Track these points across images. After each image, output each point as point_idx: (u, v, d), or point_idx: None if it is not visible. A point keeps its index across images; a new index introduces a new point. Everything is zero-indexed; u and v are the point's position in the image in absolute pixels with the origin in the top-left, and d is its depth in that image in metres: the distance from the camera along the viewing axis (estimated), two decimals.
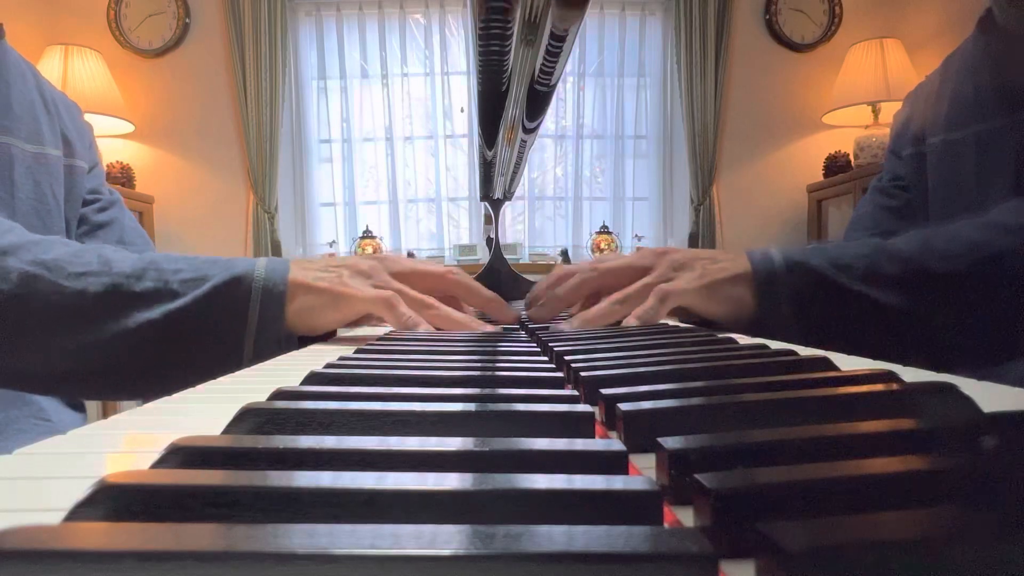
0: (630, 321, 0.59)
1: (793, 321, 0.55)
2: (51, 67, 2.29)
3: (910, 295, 0.55)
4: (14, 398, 0.70)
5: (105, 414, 2.11)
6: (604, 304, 0.60)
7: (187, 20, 2.65)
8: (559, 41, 0.52)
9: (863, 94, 2.45)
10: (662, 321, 0.70)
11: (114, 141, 2.57)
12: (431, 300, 0.59)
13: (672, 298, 0.58)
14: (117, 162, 2.49)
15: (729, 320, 0.59)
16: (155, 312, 0.51)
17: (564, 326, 0.62)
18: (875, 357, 0.59)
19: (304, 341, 0.57)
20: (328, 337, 0.61)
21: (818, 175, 2.65)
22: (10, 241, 0.52)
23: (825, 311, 0.55)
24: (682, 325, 0.66)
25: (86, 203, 0.83)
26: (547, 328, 0.61)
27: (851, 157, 2.54)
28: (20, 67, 0.76)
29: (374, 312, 0.57)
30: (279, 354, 0.52)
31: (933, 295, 0.55)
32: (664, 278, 0.59)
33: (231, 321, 0.52)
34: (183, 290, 0.52)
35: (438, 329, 0.58)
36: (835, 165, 2.59)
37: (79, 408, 0.80)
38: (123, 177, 2.46)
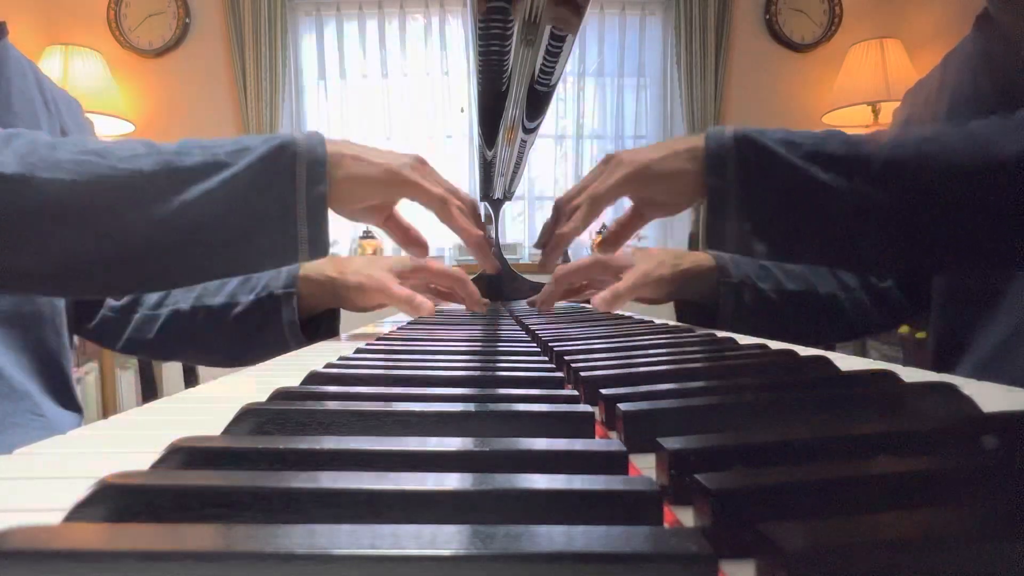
0: (561, 232, 0.64)
1: (735, 202, 0.55)
2: (51, 67, 2.29)
3: (849, 175, 0.54)
4: (8, 392, 0.70)
5: (105, 414, 2.11)
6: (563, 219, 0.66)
7: (187, 20, 2.65)
8: (559, 41, 0.52)
9: (863, 94, 2.45)
10: (660, 322, 0.70)
11: None
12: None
13: (603, 197, 0.60)
14: None
15: (675, 199, 0.59)
16: (211, 182, 0.52)
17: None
18: (805, 253, 0.59)
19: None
20: (331, 336, 0.64)
21: None
22: (56, 139, 0.53)
23: (768, 182, 0.54)
24: (682, 325, 0.66)
25: None
26: (547, 328, 0.62)
27: None
28: (21, 65, 0.75)
29: (429, 205, 0.61)
30: (328, 227, 0.55)
31: (871, 178, 0.54)
32: (604, 182, 0.61)
33: (281, 185, 0.54)
34: (231, 160, 0.53)
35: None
36: None
37: (74, 408, 0.80)
38: None
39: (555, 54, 0.54)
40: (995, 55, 0.70)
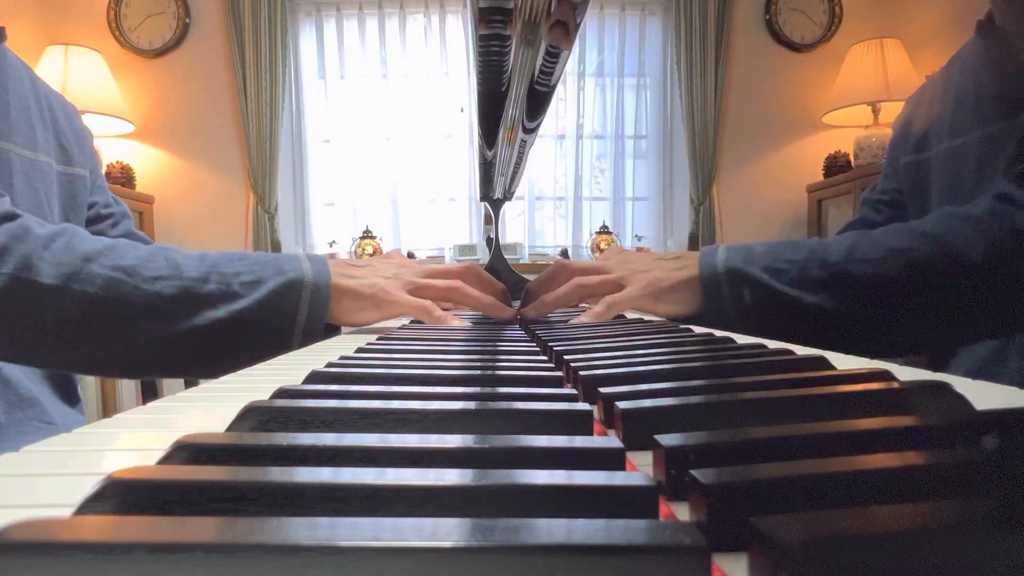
0: (579, 319, 0.68)
1: (737, 319, 0.61)
2: (51, 67, 2.29)
3: (834, 297, 0.61)
4: (16, 400, 0.70)
5: (105, 413, 2.11)
6: (566, 288, 0.70)
7: (187, 20, 2.65)
8: None
9: (863, 94, 2.45)
10: (658, 321, 0.70)
11: (114, 141, 2.57)
12: (457, 284, 0.69)
13: (617, 307, 0.67)
14: (117, 162, 2.50)
15: (679, 317, 0.67)
16: (221, 312, 0.59)
17: (528, 310, 0.74)
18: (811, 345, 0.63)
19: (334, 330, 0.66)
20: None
21: (818, 175, 2.65)
22: (91, 248, 0.59)
23: (761, 312, 0.62)
24: (680, 325, 0.66)
25: (101, 218, 0.84)
26: (547, 328, 0.62)
27: (851, 157, 2.55)
28: (18, 70, 0.75)
29: (414, 316, 0.67)
30: (319, 340, 0.60)
31: (855, 296, 0.61)
32: (616, 284, 0.68)
33: (284, 318, 0.61)
34: (243, 292, 0.60)
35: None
36: (835, 165, 2.59)
37: (75, 400, 0.81)
38: (123, 177, 2.47)
39: (555, 54, 0.55)
40: (998, 60, 0.71)
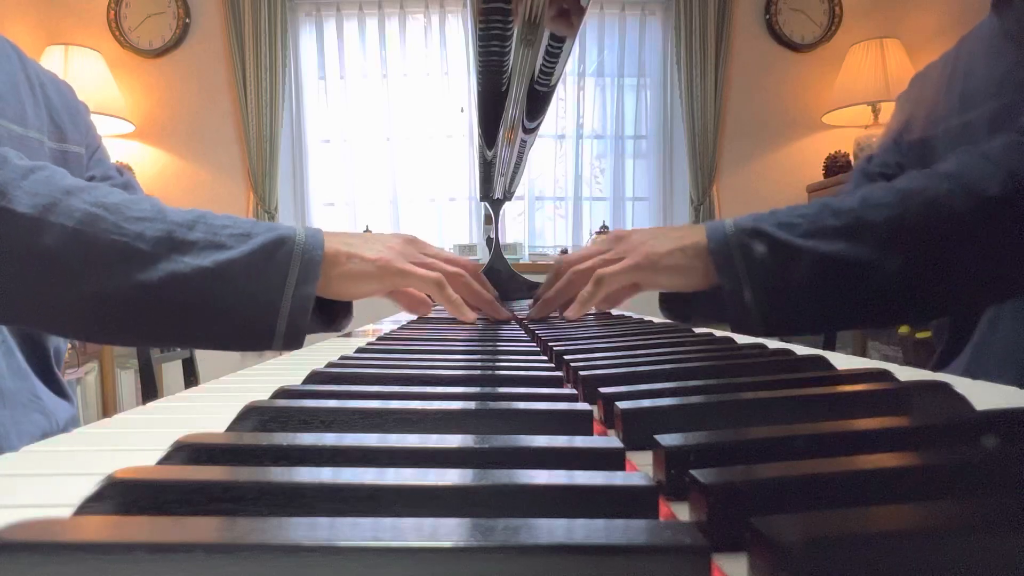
0: (573, 309, 0.64)
1: (750, 282, 0.56)
2: (51, 67, 2.26)
3: (853, 245, 0.56)
4: (17, 370, 0.70)
5: (105, 413, 2.11)
6: (562, 281, 0.66)
7: (187, 20, 2.65)
8: (559, 41, 0.52)
9: (863, 94, 2.45)
10: (658, 321, 0.70)
11: (114, 141, 2.57)
12: (463, 273, 0.65)
13: (608, 280, 0.61)
14: (117, 162, 2.48)
15: (683, 289, 0.61)
16: (205, 259, 0.54)
17: (532, 312, 0.70)
18: (831, 323, 0.59)
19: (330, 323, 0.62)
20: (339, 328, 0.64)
21: (818, 175, 2.65)
22: (72, 183, 0.54)
23: (775, 271, 0.56)
24: (679, 325, 0.66)
25: None
26: (547, 328, 0.62)
27: (851, 157, 2.55)
28: (5, 49, 0.74)
29: (422, 289, 0.62)
30: (308, 323, 0.55)
31: (875, 243, 0.56)
32: (611, 261, 0.63)
33: (272, 277, 0.55)
34: (231, 243, 0.55)
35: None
36: (835, 165, 2.59)
37: (63, 396, 0.80)
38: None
39: (555, 54, 0.55)
40: (1015, 36, 0.70)
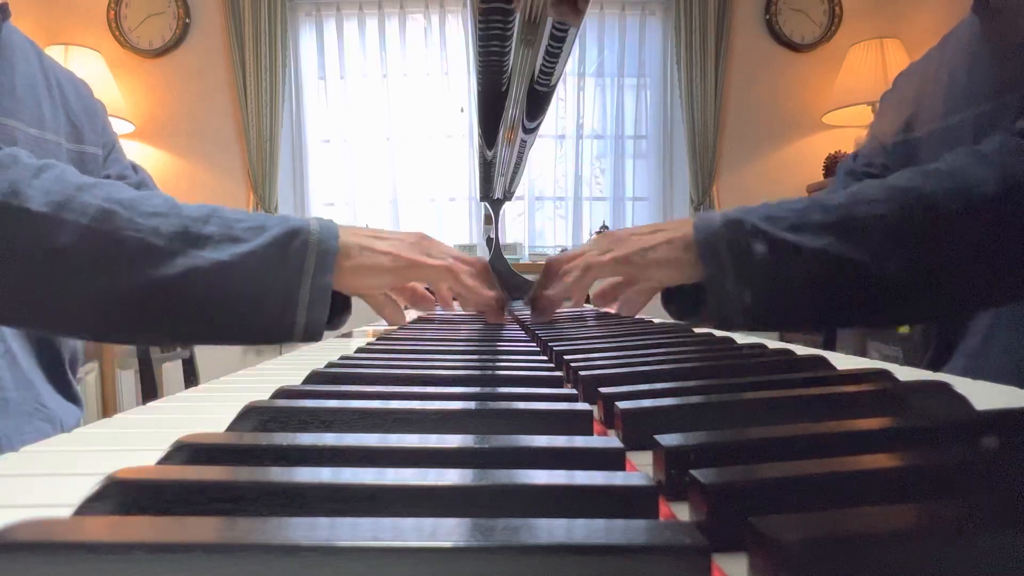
0: (555, 287, 0.63)
1: (736, 275, 0.55)
2: None
3: (840, 242, 0.54)
4: (21, 379, 0.70)
5: (105, 413, 2.11)
6: (555, 283, 0.65)
7: (187, 20, 2.65)
8: (559, 41, 0.52)
9: (863, 94, 2.45)
10: (658, 322, 0.70)
11: None
12: (471, 270, 0.64)
13: (592, 270, 0.61)
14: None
15: (668, 282, 0.61)
16: (222, 253, 0.53)
17: (532, 316, 0.69)
18: (814, 319, 0.59)
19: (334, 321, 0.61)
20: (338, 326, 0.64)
21: (818, 175, 2.65)
22: (84, 180, 0.54)
23: (761, 265, 0.55)
24: (679, 324, 0.66)
25: None
26: (547, 328, 0.62)
27: None
28: (25, 49, 0.75)
29: (437, 279, 0.62)
30: (326, 315, 0.55)
31: (863, 241, 0.55)
32: (598, 255, 0.62)
33: (289, 269, 0.55)
34: (245, 236, 0.55)
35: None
36: (835, 165, 2.59)
37: (72, 400, 0.80)
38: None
39: (555, 54, 0.55)
40: (995, 39, 0.70)
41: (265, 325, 0.55)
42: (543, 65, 0.57)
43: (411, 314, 0.87)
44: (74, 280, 0.52)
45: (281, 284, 0.54)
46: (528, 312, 0.84)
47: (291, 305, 0.55)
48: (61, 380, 0.78)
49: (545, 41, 0.52)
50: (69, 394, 0.78)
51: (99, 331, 0.59)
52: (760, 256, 0.55)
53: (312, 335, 0.56)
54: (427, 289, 0.75)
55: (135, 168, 0.87)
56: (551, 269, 0.69)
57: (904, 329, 1.76)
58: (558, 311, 0.79)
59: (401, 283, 0.62)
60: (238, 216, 0.56)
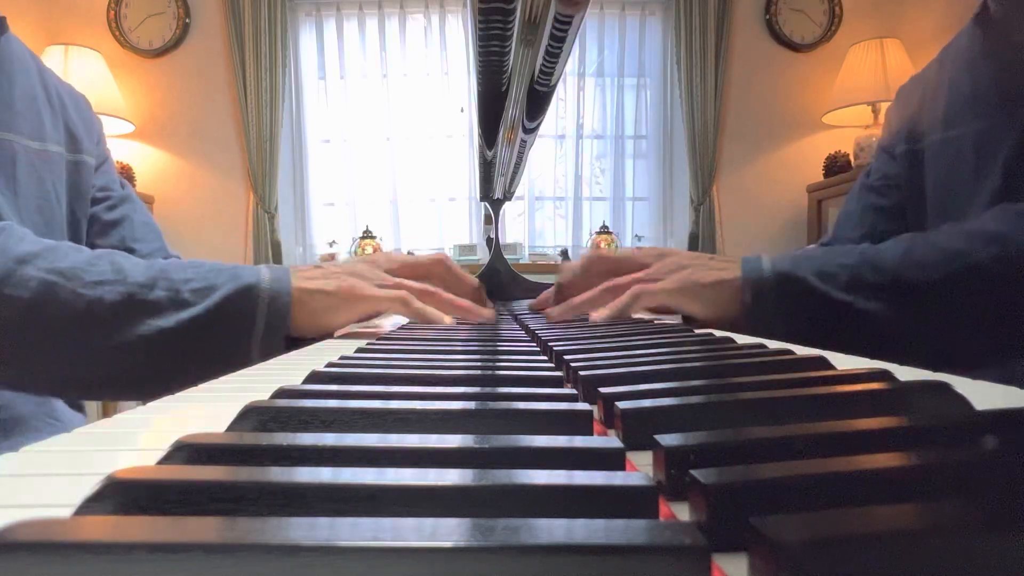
0: (602, 313, 0.62)
1: (780, 327, 0.57)
2: (51, 67, 2.28)
3: (891, 303, 0.56)
4: (27, 397, 0.70)
5: (106, 413, 2.11)
6: (595, 292, 0.64)
7: (187, 20, 2.65)
8: (559, 41, 0.52)
9: (863, 94, 2.45)
10: (658, 322, 0.70)
11: (114, 141, 2.57)
12: (432, 288, 0.63)
13: (646, 297, 0.61)
14: (117, 162, 2.49)
15: (711, 321, 0.62)
16: (169, 320, 0.53)
17: (554, 311, 0.67)
18: (863, 356, 0.60)
19: (297, 343, 0.60)
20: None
21: (818, 175, 2.65)
22: (26, 249, 0.53)
23: (811, 319, 0.57)
24: (680, 324, 0.66)
25: (96, 201, 0.81)
26: (547, 328, 0.62)
27: (851, 157, 2.55)
28: (24, 60, 0.75)
29: (389, 310, 0.61)
30: (281, 353, 0.54)
31: (913, 303, 0.57)
32: (652, 279, 0.62)
33: (239, 328, 0.55)
34: (194, 300, 0.54)
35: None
36: (835, 165, 2.59)
37: (79, 408, 0.80)
38: (123, 177, 2.47)
39: (555, 54, 0.55)
40: (995, 51, 0.70)
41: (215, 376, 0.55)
42: (543, 65, 0.57)
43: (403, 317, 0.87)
44: (20, 351, 0.52)
45: (230, 346, 0.55)
46: (528, 312, 0.84)
47: (242, 359, 0.54)
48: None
49: (545, 41, 0.52)
50: (75, 403, 0.79)
51: (59, 392, 0.61)
52: (810, 315, 0.57)
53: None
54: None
55: (122, 183, 0.87)
56: (590, 270, 0.67)
57: None
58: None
59: (356, 317, 0.62)
60: (187, 275, 0.55)
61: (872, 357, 0.52)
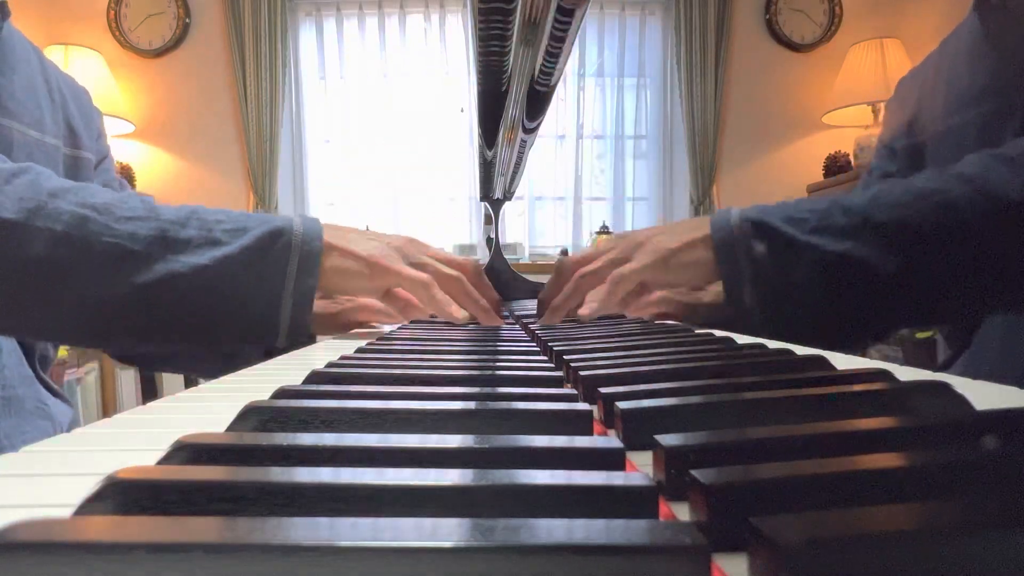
0: (590, 307, 0.61)
1: (754, 277, 0.55)
2: None
3: (862, 244, 0.54)
4: (26, 377, 0.70)
5: (105, 413, 2.11)
6: (569, 285, 0.63)
7: (187, 20, 2.65)
8: (559, 41, 0.52)
9: (863, 94, 2.45)
10: (657, 322, 0.70)
11: (114, 141, 2.56)
12: (458, 274, 0.62)
13: (625, 280, 0.59)
14: (117, 162, 2.50)
15: (696, 283, 0.60)
16: (203, 257, 0.52)
17: (540, 321, 0.66)
18: (833, 326, 0.58)
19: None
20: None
21: (818, 175, 2.65)
22: (58, 184, 0.52)
23: (784, 264, 0.55)
24: (680, 324, 0.66)
25: None
26: (547, 328, 0.62)
27: (851, 157, 2.55)
28: (26, 51, 0.75)
29: (411, 290, 0.60)
30: (311, 315, 0.54)
31: (885, 244, 0.54)
32: (620, 261, 0.60)
33: (272, 270, 0.54)
34: (226, 239, 0.53)
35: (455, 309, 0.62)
36: (835, 165, 2.59)
37: (61, 399, 0.80)
38: (123, 177, 2.47)
39: (555, 54, 0.55)
40: (997, 38, 0.69)
41: (249, 327, 0.54)
42: (543, 65, 0.57)
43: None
44: (52, 288, 0.51)
45: (264, 287, 0.53)
46: (528, 312, 0.84)
47: (274, 307, 0.53)
48: (42, 379, 0.78)
49: (545, 41, 0.52)
50: (53, 392, 0.78)
51: (82, 337, 0.58)
52: (779, 261, 0.55)
53: (296, 336, 0.55)
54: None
55: (121, 183, 0.87)
56: (564, 274, 0.66)
57: (925, 333, 1.76)
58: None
59: (376, 288, 0.60)
60: (219, 217, 0.55)
61: (849, 317, 0.50)
